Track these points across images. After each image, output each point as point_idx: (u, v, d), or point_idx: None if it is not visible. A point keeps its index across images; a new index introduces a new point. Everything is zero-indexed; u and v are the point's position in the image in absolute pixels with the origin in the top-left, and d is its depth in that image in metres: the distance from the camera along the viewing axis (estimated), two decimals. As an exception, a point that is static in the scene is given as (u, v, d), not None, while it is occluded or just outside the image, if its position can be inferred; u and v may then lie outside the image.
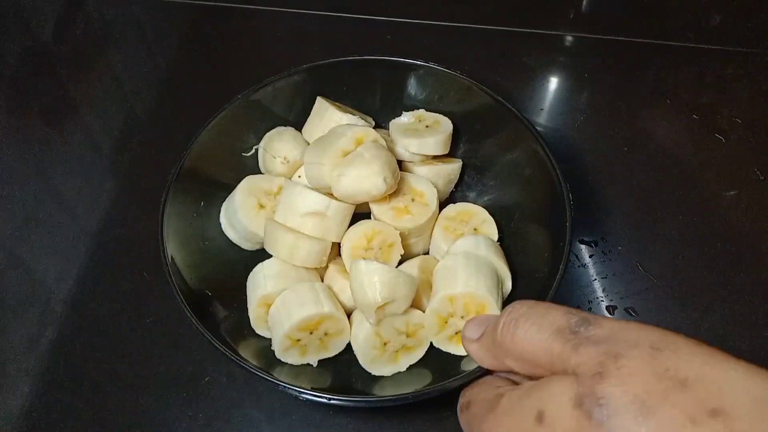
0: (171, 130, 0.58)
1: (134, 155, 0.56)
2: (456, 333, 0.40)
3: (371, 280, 0.38)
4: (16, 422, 0.43)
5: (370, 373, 0.41)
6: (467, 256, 0.41)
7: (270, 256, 0.43)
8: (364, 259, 0.40)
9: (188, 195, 0.44)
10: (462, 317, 0.39)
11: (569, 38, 0.66)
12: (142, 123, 0.59)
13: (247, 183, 0.45)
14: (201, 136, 0.45)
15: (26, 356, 0.45)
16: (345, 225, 0.43)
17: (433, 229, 0.46)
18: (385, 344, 0.40)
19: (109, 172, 0.55)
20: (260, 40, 0.66)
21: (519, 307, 0.29)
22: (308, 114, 0.49)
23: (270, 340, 0.41)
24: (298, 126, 0.49)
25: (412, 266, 0.43)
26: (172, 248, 0.41)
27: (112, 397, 0.44)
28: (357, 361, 0.41)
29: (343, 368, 0.41)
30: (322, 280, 0.44)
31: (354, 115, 0.48)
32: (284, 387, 0.35)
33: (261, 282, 0.42)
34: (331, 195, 0.42)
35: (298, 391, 0.35)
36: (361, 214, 0.45)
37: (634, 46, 0.65)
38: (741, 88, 0.61)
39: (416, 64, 0.48)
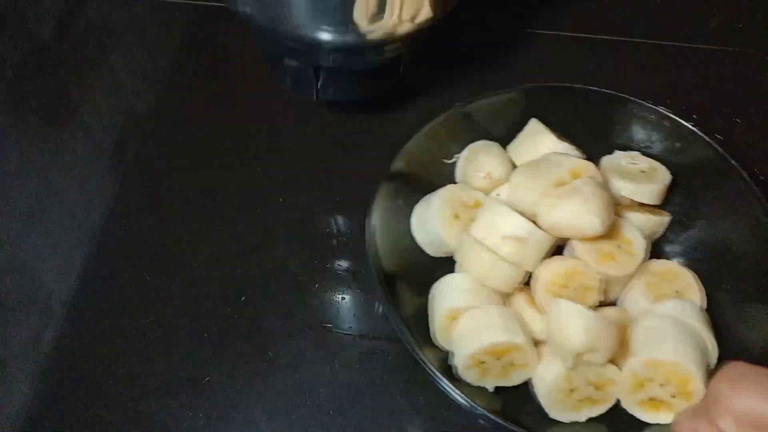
0: (171, 130, 0.58)
1: (134, 155, 0.56)
2: (650, 399, 0.39)
3: (575, 323, 0.37)
4: (16, 422, 0.43)
5: (546, 414, 0.40)
6: (676, 321, 0.39)
7: (450, 264, 0.43)
8: (563, 298, 0.39)
9: (393, 191, 0.45)
10: (661, 385, 0.38)
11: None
12: (142, 123, 0.59)
13: (448, 192, 0.45)
14: (415, 138, 0.46)
15: (26, 356, 0.45)
16: (542, 256, 0.42)
17: (630, 281, 0.44)
18: (571, 390, 0.39)
19: (109, 172, 0.55)
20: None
21: (739, 365, 0.28)
22: (512, 131, 0.49)
23: (443, 352, 0.41)
24: (499, 141, 0.49)
25: (608, 316, 0.41)
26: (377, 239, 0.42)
27: (112, 397, 0.44)
28: (532, 396, 0.41)
29: (516, 399, 0.40)
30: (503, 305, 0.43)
31: (570, 144, 0.47)
32: (476, 410, 0.36)
33: (451, 294, 0.42)
34: (533, 221, 0.41)
35: (487, 416, 0.36)
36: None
37: (632, 45, 0.65)
38: (741, 88, 0.61)
39: (641, 104, 0.47)
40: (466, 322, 0.40)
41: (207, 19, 0.67)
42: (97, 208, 0.52)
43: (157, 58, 0.64)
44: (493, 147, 0.48)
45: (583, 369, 0.39)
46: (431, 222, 0.44)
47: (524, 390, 0.41)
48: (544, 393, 0.39)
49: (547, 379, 0.39)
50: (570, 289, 0.41)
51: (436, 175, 0.48)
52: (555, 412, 0.40)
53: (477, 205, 0.46)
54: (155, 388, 0.44)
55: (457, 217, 0.45)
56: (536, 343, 0.41)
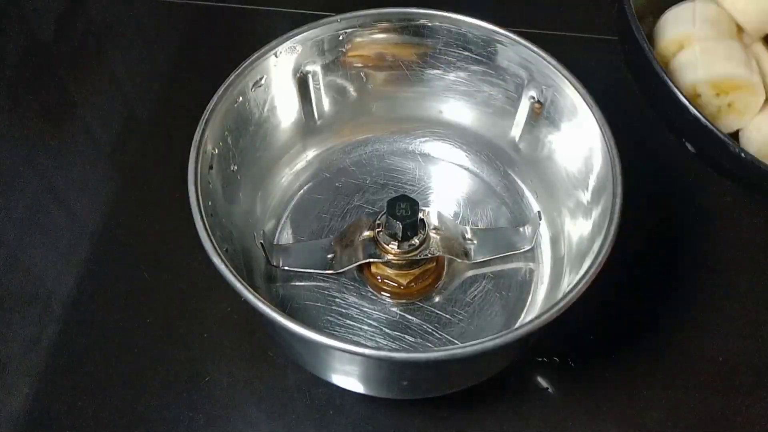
0: (171, 130, 0.58)
1: (134, 155, 0.56)
2: None
3: None
4: (16, 422, 0.43)
5: None
6: None
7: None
8: None
9: None
10: None
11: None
12: (142, 123, 0.59)
13: None
14: None
15: (26, 356, 0.45)
16: None
17: None
18: None
19: (109, 172, 0.55)
20: (260, 41, 0.66)
21: None
22: None
23: None
24: None
25: None
26: None
27: (112, 397, 0.44)
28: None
29: None
30: None
31: None
32: None
33: (690, 20, 0.38)
34: None
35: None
36: None
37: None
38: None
39: None
40: (698, 51, 0.37)
41: (207, 19, 0.67)
42: (97, 208, 0.53)
43: (157, 57, 0.64)
44: None
45: None
46: None
47: None
48: (761, 143, 0.37)
49: (765, 129, 0.37)
50: None
51: None
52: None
53: None
54: (155, 388, 0.44)
55: None
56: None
